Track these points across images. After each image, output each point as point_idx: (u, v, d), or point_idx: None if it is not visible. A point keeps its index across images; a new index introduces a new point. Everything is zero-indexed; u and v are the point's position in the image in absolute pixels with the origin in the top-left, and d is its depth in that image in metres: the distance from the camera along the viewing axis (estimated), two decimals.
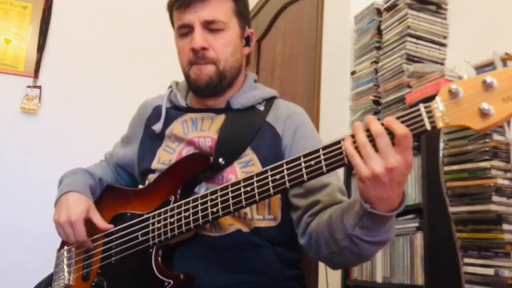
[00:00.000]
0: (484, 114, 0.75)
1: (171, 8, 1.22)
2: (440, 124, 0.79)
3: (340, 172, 1.96)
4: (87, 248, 1.20)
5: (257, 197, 0.95)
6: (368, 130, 0.83)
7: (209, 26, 1.15)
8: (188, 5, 1.14)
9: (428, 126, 0.80)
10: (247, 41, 1.27)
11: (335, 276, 1.98)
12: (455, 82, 0.78)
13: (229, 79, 1.21)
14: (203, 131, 1.20)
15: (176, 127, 1.23)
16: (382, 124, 0.82)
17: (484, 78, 0.75)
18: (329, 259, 1.03)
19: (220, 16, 1.16)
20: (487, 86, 0.75)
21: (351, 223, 0.92)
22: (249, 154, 1.15)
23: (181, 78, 1.38)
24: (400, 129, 0.80)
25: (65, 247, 1.26)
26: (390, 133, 0.81)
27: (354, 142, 0.84)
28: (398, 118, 0.82)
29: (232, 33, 1.19)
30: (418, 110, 0.81)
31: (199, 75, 1.18)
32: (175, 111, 1.27)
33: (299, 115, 1.24)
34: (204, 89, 1.19)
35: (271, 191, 0.94)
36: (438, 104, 0.79)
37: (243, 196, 0.97)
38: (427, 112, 0.80)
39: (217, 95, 1.23)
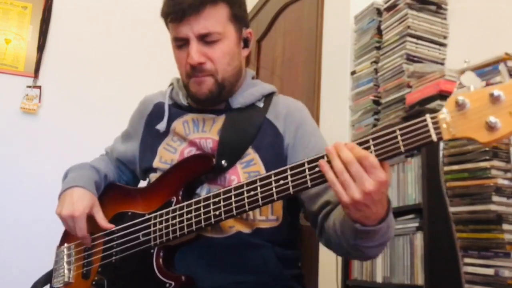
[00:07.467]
0: (491, 127, 0.75)
1: (165, 18, 1.17)
2: (446, 136, 0.78)
3: None
4: (85, 245, 1.19)
5: (260, 202, 0.96)
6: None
7: (205, 39, 1.13)
8: (182, 18, 1.11)
9: (434, 138, 0.80)
10: (246, 42, 1.24)
11: (335, 276, 1.98)
12: (462, 94, 0.78)
13: (228, 88, 1.19)
14: (205, 132, 1.20)
15: (178, 127, 1.23)
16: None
17: (491, 91, 0.75)
18: (345, 256, 1.11)
19: (215, 27, 1.12)
20: (494, 99, 0.75)
21: (350, 236, 0.96)
22: (251, 154, 1.15)
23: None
24: (358, 153, 0.84)
25: (65, 244, 1.26)
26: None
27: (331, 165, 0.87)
28: (404, 128, 0.83)
29: (228, 42, 1.16)
30: (425, 121, 0.80)
31: (199, 89, 1.16)
32: (176, 109, 1.27)
33: (299, 111, 1.23)
34: (204, 101, 1.19)
35: (275, 196, 0.95)
36: (445, 115, 0.79)
37: (246, 201, 0.97)
38: (434, 123, 0.79)
39: (218, 104, 1.22)
